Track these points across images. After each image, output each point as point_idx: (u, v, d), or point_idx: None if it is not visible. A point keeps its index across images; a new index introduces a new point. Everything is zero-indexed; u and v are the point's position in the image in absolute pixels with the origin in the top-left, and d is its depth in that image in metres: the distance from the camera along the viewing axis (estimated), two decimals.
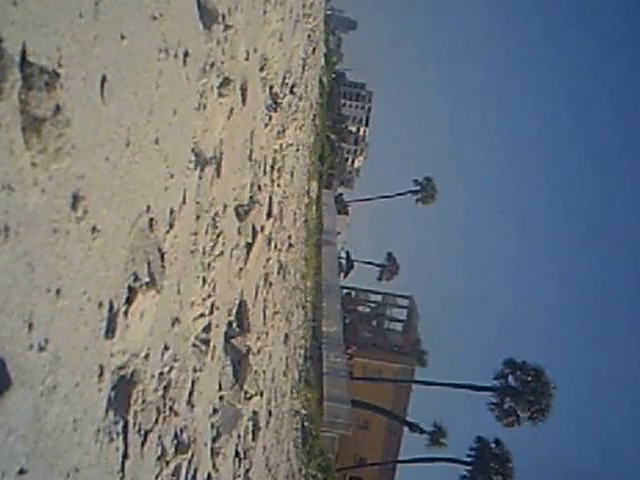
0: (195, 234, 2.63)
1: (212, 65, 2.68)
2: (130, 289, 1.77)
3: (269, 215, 5.36)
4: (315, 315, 20.69)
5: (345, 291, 41.64)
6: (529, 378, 28.24)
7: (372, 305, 47.98)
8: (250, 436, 4.77)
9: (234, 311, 3.85)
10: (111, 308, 1.65)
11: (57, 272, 1.34)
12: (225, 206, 3.33)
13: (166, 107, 2.02)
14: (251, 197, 4.27)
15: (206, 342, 2.93)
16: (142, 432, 1.99)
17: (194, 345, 2.77)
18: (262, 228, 4.75)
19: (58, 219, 1.33)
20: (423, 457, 31.31)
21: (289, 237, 9.43)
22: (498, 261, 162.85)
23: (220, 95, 2.84)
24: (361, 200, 56.31)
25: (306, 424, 13.91)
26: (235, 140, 3.53)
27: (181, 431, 2.54)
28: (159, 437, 2.20)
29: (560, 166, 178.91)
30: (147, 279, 1.87)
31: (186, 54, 2.21)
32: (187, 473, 2.66)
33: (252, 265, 4.35)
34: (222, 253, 3.21)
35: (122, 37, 1.59)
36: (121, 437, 1.80)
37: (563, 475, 62.43)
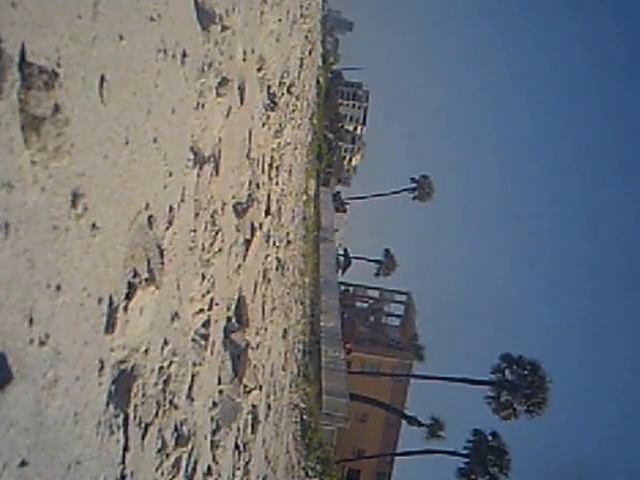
0: (194, 231, 2.64)
1: (210, 65, 2.69)
2: (130, 285, 1.78)
3: (267, 212, 5.38)
4: (313, 310, 20.71)
5: (343, 287, 41.66)
6: (525, 372, 28.37)
7: (370, 301, 48.07)
8: (249, 429, 4.80)
9: (233, 307, 3.87)
10: (111, 304, 1.66)
11: (57, 268, 1.35)
12: (223, 204, 3.34)
13: (165, 106, 2.04)
14: (249, 195, 4.29)
15: (205, 337, 2.96)
16: (142, 425, 2.01)
17: (193, 340, 2.79)
18: (260, 225, 4.76)
19: (58, 216, 1.34)
20: (421, 449, 31.46)
21: (287, 234, 9.43)
22: (494, 257, 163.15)
23: (218, 95, 2.85)
24: (356, 198, 56.27)
25: (305, 417, 13.94)
26: (233, 139, 3.54)
27: (181, 424, 2.56)
28: (159, 430, 2.22)
29: (557, 162, 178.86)
30: (146, 275, 1.89)
31: (184, 54, 2.22)
32: (187, 465, 2.68)
33: (251, 262, 4.37)
34: (221, 250, 3.22)
35: (121, 38, 1.60)
36: (122, 430, 1.81)
37: (559, 467, 62.80)
